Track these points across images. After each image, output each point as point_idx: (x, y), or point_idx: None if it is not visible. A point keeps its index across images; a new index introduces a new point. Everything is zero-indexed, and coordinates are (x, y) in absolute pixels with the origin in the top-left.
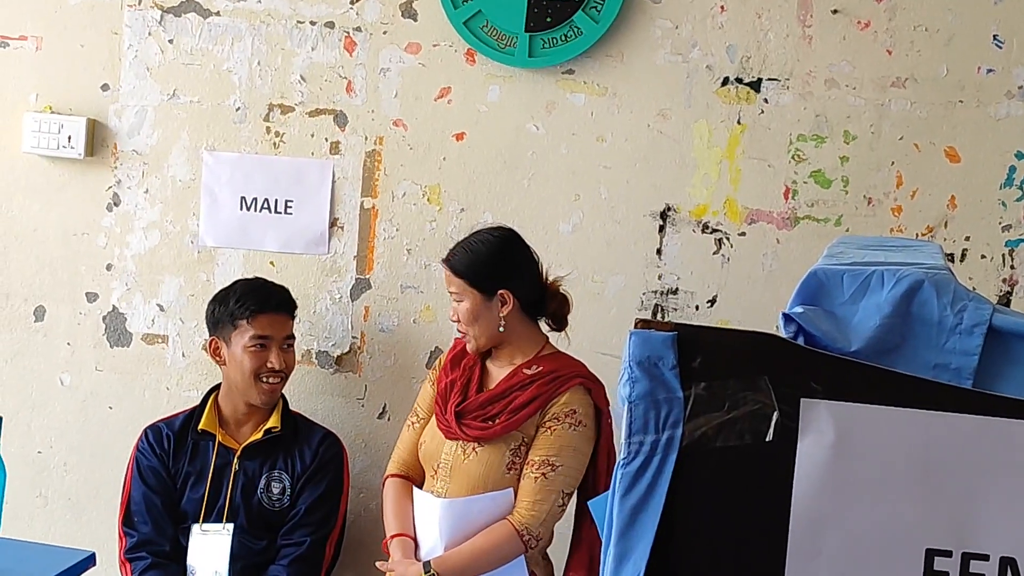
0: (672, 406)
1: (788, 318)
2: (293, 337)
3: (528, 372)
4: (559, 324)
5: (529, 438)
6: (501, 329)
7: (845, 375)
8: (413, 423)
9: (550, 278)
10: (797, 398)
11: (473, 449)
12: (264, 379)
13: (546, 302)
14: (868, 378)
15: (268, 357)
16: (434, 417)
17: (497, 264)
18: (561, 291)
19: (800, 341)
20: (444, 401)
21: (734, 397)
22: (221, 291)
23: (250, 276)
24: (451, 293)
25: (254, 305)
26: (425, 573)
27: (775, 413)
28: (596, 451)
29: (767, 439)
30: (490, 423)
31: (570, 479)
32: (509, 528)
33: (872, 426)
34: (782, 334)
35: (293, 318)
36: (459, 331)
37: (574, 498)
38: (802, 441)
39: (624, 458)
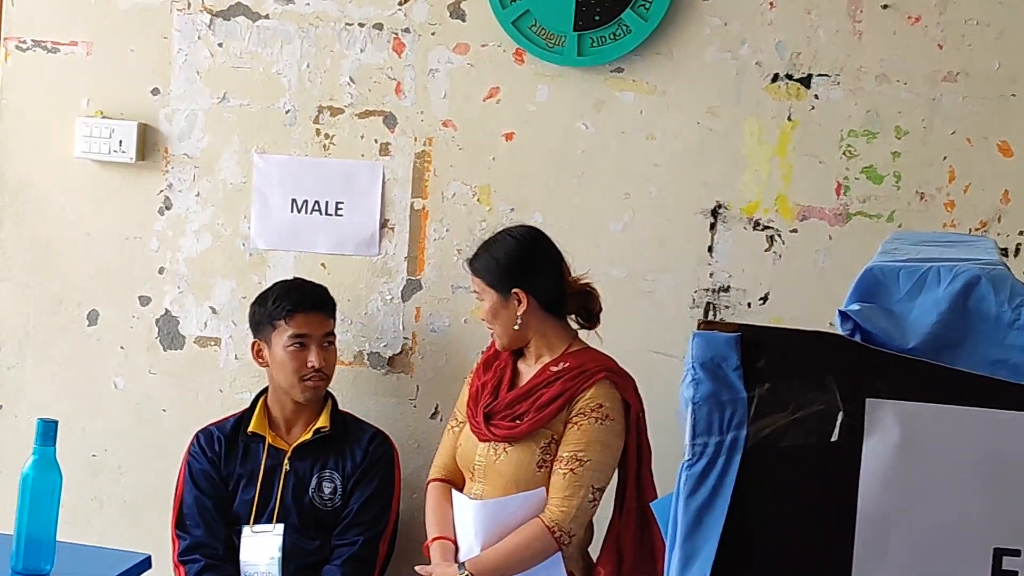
0: (736, 407)
1: (845, 316)
2: (333, 335)
3: (554, 369)
4: (589, 321)
5: (558, 435)
6: (516, 328)
7: (910, 374)
8: (453, 427)
9: (575, 275)
10: (862, 398)
11: (503, 449)
12: (305, 378)
13: (568, 300)
14: (933, 377)
15: (307, 356)
16: (468, 420)
17: (512, 264)
18: (587, 288)
19: (857, 339)
20: (475, 403)
21: (799, 398)
22: (260, 294)
23: (301, 277)
24: (475, 293)
25: (290, 305)
26: (460, 574)
27: (840, 413)
28: (626, 446)
29: (832, 439)
30: (517, 422)
31: (600, 474)
32: (540, 526)
33: (938, 425)
34: (839, 332)
35: (332, 316)
36: (489, 330)
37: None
38: (867, 441)
39: (688, 460)
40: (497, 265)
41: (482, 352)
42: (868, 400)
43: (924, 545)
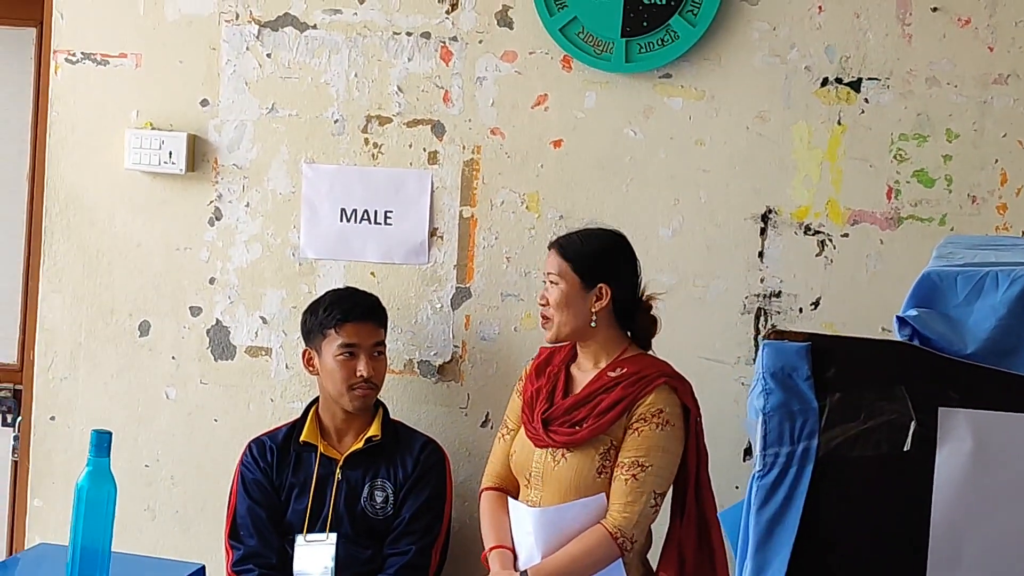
0: (807, 417)
1: (903, 321)
2: (383, 344)
3: (612, 375)
4: (644, 343)
5: (618, 441)
6: (593, 324)
7: (982, 383)
8: (504, 435)
9: (647, 293)
10: (934, 407)
11: (562, 455)
12: (354, 387)
13: (638, 315)
14: (1004, 385)
15: (357, 365)
16: (523, 427)
17: (605, 257)
18: (653, 311)
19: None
20: (531, 409)
21: (870, 407)
22: (312, 302)
23: (351, 286)
24: (548, 275)
25: (340, 314)
26: None
27: (912, 422)
28: (685, 452)
29: (905, 448)
30: (577, 428)
31: (661, 479)
32: (603, 532)
33: (1011, 433)
34: (895, 337)
35: (383, 326)
36: (542, 315)
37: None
38: (940, 450)
39: (759, 470)
40: (591, 253)
41: (531, 359)
42: (940, 409)
43: (999, 553)
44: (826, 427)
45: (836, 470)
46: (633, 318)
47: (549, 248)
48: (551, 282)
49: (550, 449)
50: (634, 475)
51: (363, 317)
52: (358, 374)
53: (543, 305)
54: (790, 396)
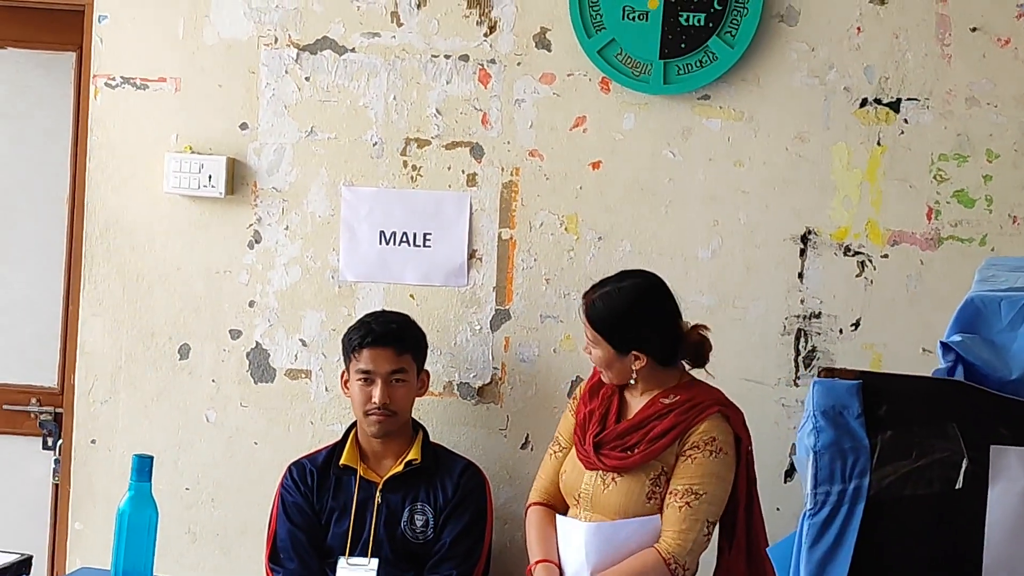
0: (859, 455)
1: (946, 347)
2: (404, 371)
3: (666, 401)
4: (698, 363)
5: (669, 468)
6: (632, 381)
7: None
8: (555, 452)
9: (690, 322)
10: (986, 445)
11: (612, 479)
12: (369, 413)
13: (685, 347)
14: None
15: (372, 392)
16: (575, 448)
17: (632, 324)
18: (701, 336)
19: (959, 370)
20: (583, 431)
21: (922, 445)
22: (350, 326)
23: (391, 309)
24: (586, 335)
25: (358, 339)
26: None
27: (964, 460)
28: (736, 480)
29: (957, 487)
30: (628, 453)
31: (714, 507)
32: (657, 556)
33: None
34: (940, 363)
35: (405, 352)
36: (593, 362)
37: None
38: (993, 488)
39: (811, 508)
40: (617, 321)
41: (586, 379)
42: (992, 447)
43: None
44: (878, 465)
45: (888, 508)
46: (678, 355)
47: (581, 304)
48: (589, 343)
49: (600, 472)
50: (688, 503)
51: (377, 343)
52: (372, 401)
53: (589, 354)
54: (841, 434)
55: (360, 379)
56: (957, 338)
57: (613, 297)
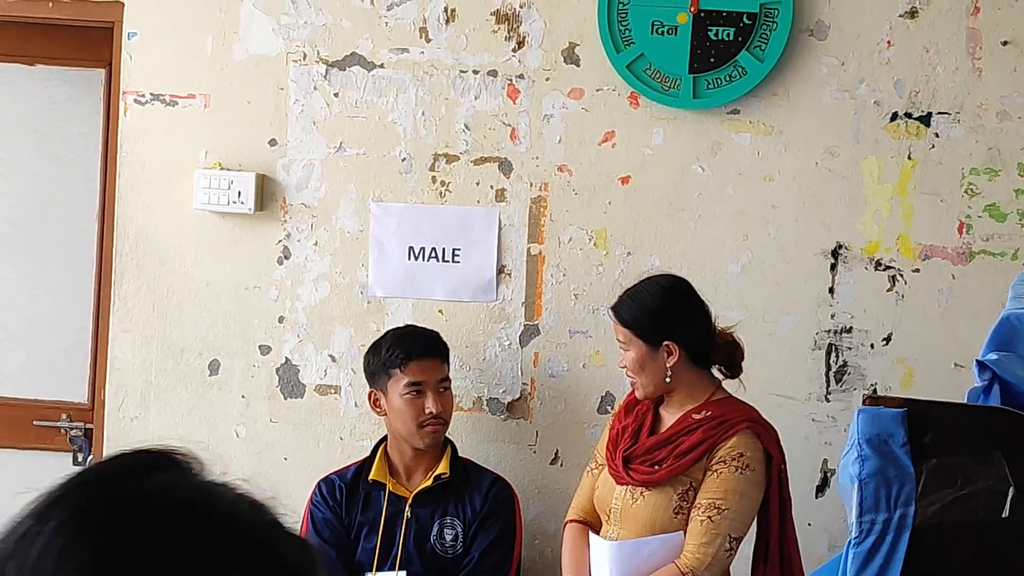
0: (904, 483)
1: (982, 365)
2: (448, 379)
3: (696, 417)
4: (732, 371)
5: (697, 483)
6: (668, 379)
7: None
8: (592, 469)
9: (720, 325)
10: None
11: (641, 494)
12: (424, 424)
13: (715, 351)
14: None
15: (424, 402)
16: (607, 463)
17: (663, 314)
18: (732, 338)
19: (995, 389)
20: (614, 447)
21: (967, 473)
22: (373, 344)
23: (419, 324)
24: (618, 341)
25: (404, 353)
26: None
27: (1011, 488)
28: (767, 498)
29: (1003, 515)
30: (656, 467)
31: (737, 523)
32: (675, 571)
33: None
34: (975, 381)
35: (446, 361)
36: (629, 377)
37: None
38: None
39: (855, 537)
40: (648, 315)
41: (624, 396)
42: None
43: None
44: (923, 494)
45: (933, 537)
46: (711, 356)
47: (609, 312)
48: (623, 348)
49: (629, 487)
50: (709, 517)
51: (426, 354)
52: (427, 411)
53: (624, 368)
54: (886, 463)
55: (410, 392)
56: (993, 356)
57: (642, 292)
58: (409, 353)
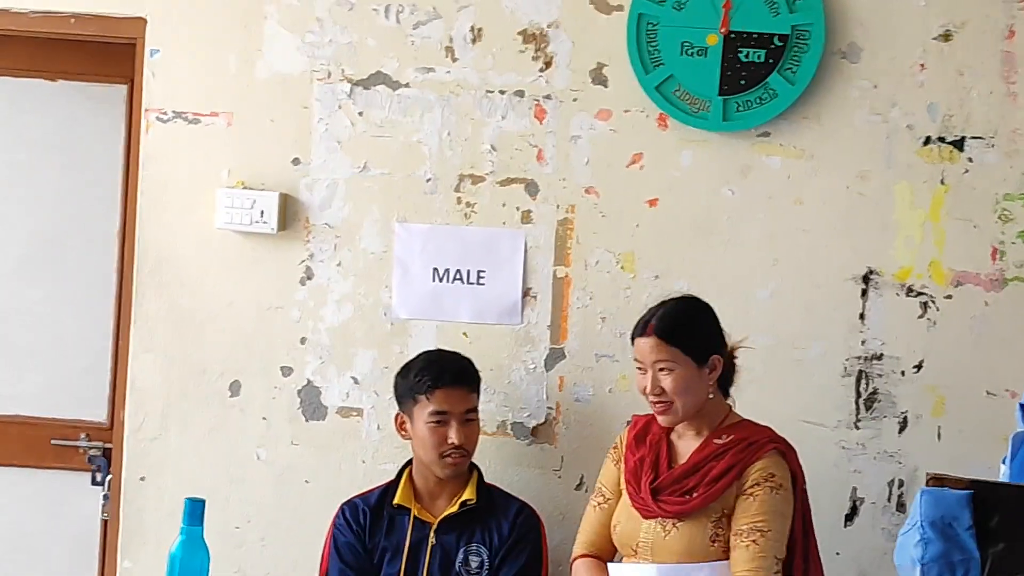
0: (969, 568)
1: None
2: (475, 410)
3: (719, 442)
4: (726, 388)
5: (729, 508)
6: (711, 396)
7: None
8: (600, 504)
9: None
10: None
11: (673, 525)
12: (445, 455)
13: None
14: None
15: (448, 433)
16: (625, 497)
17: (707, 329)
18: (735, 355)
19: None
20: (636, 480)
21: None
22: (404, 366)
23: (441, 347)
24: (656, 363)
25: (430, 380)
26: None
27: None
28: (792, 517)
29: None
30: (688, 497)
31: (779, 544)
32: None
33: None
34: (1019, 425)
35: (475, 391)
36: (656, 403)
37: None
38: None
39: None
40: (696, 330)
41: (625, 427)
42: None
43: None
44: None
45: None
46: (730, 375)
47: (643, 336)
48: (664, 370)
49: (659, 519)
50: (754, 540)
51: (454, 383)
52: (449, 441)
53: (649, 393)
54: (951, 546)
55: (434, 421)
56: None
57: (676, 308)
58: (437, 380)
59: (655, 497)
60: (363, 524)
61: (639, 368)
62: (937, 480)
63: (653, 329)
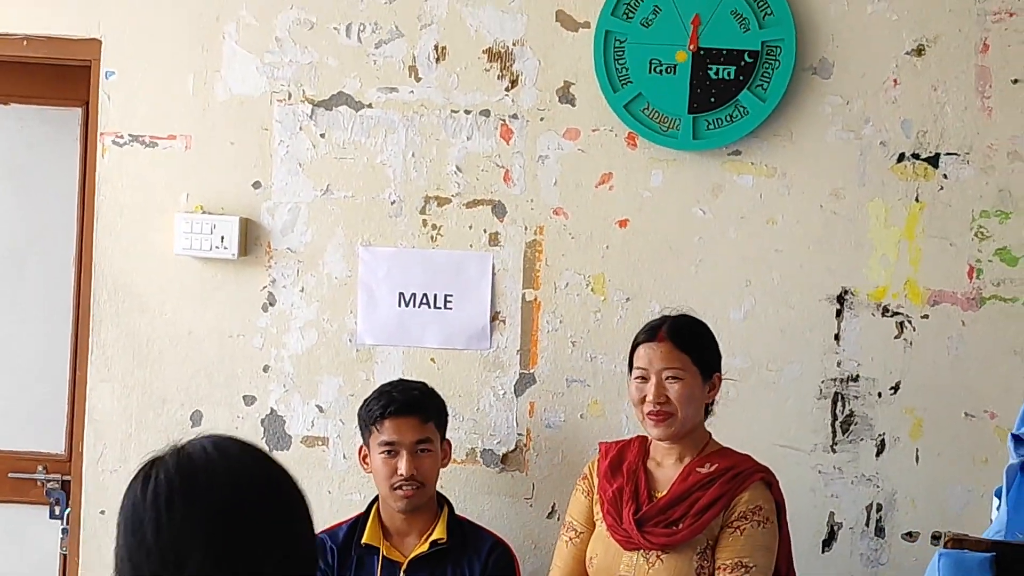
0: None
1: (1018, 439)
2: (429, 441)
3: (703, 471)
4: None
5: (713, 539)
6: (711, 412)
7: None
8: (571, 539)
9: None
10: None
11: (657, 557)
12: (395, 487)
13: None
14: None
15: (398, 464)
16: (602, 528)
17: (714, 345)
18: None
19: None
20: (617, 511)
21: None
22: (367, 396)
23: (407, 375)
24: (665, 370)
25: (379, 410)
26: None
27: None
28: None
29: None
30: (674, 528)
31: None
32: None
33: None
34: (1011, 456)
35: (429, 421)
36: (657, 412)
37: None
38: None
39: None
40: (704, 342)
41: (597, 458)
42: None
43: None
44: None
45: None
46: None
47: (652, 341)
48: (671, 378)
49: (642, 551)
50: None
51: (401, 412)
52: (398, 473)
53: (661, 404)
54: None
55: (384, 451)
56: None
57: (686, 318)
58: (385, 410)
59: (640, 528)
60: (331, 563)
61: (640, 377)
62: (956, 542)
63: (666, 334)
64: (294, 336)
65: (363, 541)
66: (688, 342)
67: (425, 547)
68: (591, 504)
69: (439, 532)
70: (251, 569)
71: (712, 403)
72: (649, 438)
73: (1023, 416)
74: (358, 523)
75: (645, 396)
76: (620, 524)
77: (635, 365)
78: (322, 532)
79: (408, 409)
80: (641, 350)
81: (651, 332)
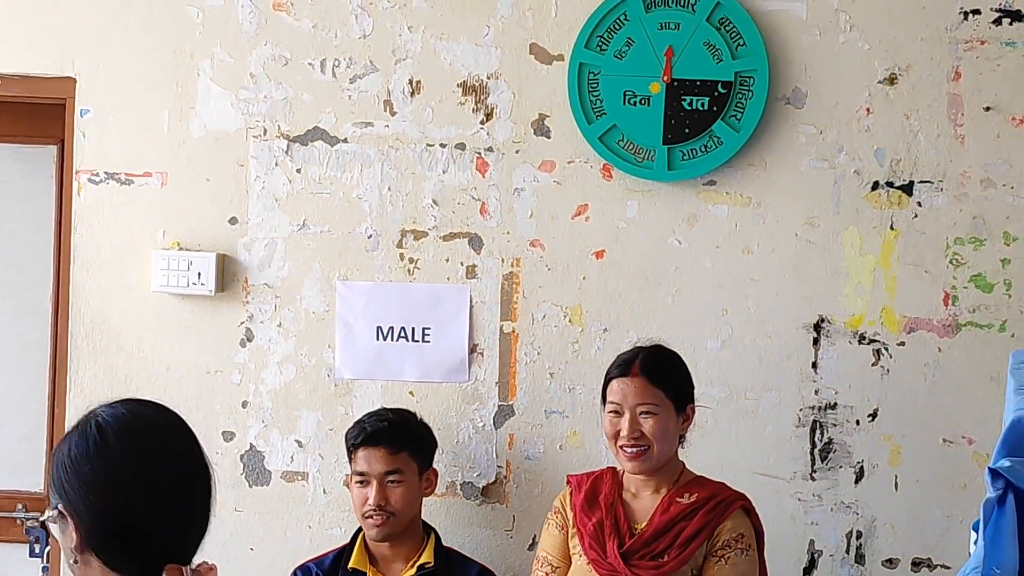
0: None
1: (995, 473)
2: (399, 471)
3: (684, 501)
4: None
5: (698, 569)
6: (683, 447)
7: None
8: (547, 574)
9: None
10: None
11: None
12: (366, 516)
13: None
14: None
15: (368, 494)
16: (581, 562)
17: (687, 377)
18: None
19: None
20: (599, 544)
21: None
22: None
23: (388, 406)
24: (639, 406)
25: (352, 440)
26: None
27: None
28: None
29: None
30: (661, 560)
31: None
32: None
33: None
34: (988, 491)
35: (400, 452)
36: (631, 447)
37: None
38: None
39: None
40: (678, 375)
41: (571, 492)
42: None
43: None
44: None
45: None
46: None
47: (626, 376)
48: (645, 413)
49: None
50: None
51: (371, 443)
52: (368, 503)
53: (635, 439)
54: None
55: (357, 481)
56: (1006, 463)
57: (659, 351)
58: (355, 440)
59: (627, 562)
60: None
61: (613, 411)
62: None
63: (639, 370)
64: (272, 371)
65: (350, 566)
66: (662, 376)
67: (412, 571)
68: (566, 539)
69: (427, 556)
70: None
71: (685, 433)
72: (622, 469)
73: (999, 449)
74: (344, 551)
75: (619, 431)
76: (605, 559)
77: (609, 399)
78: (309, 561)
79: (376, 440)
80: (615, 384)
81: (624, 366)
